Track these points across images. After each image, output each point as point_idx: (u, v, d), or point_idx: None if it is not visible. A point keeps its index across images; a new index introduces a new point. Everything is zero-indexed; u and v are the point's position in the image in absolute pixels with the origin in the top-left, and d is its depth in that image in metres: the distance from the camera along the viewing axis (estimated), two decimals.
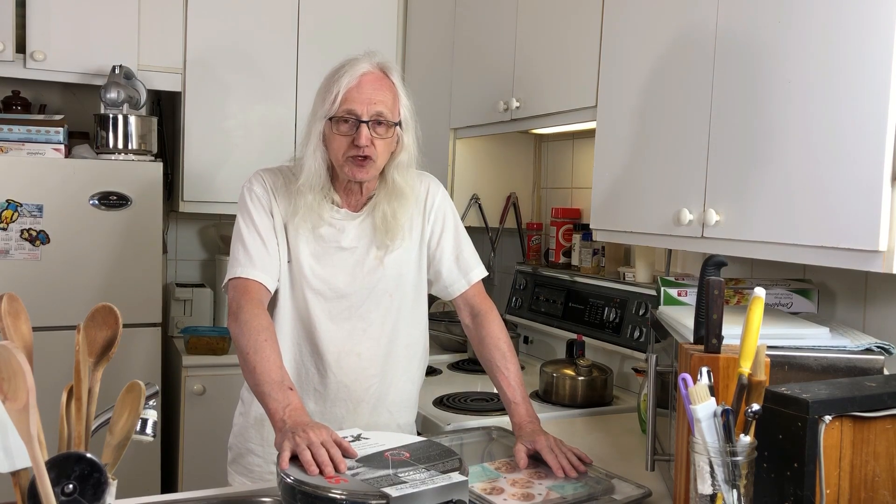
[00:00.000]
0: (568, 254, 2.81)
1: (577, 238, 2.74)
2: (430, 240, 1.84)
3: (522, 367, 2.79)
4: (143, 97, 3.00)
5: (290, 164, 1.79)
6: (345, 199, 1.76)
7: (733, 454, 1.09)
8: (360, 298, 1.76)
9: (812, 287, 1.76)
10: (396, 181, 1.73)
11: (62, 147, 2.81)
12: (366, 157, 1.65)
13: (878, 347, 1.36)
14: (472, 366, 2.76)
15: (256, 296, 1.66)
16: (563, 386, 2.26)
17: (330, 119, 1.66)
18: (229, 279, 1.70)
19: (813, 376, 1.32)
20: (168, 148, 3.33)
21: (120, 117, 2.88)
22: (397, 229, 1.75)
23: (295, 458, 1.31)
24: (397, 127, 1.69)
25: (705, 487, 1.11)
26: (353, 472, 1.27)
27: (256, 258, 1.69)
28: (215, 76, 3.13)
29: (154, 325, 2.91)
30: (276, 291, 1.75)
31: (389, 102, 1.67)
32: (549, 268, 2.87)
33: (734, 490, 1.09)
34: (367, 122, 1.64)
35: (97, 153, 2.91)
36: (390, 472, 1.26)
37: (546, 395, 2.30)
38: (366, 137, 1.63)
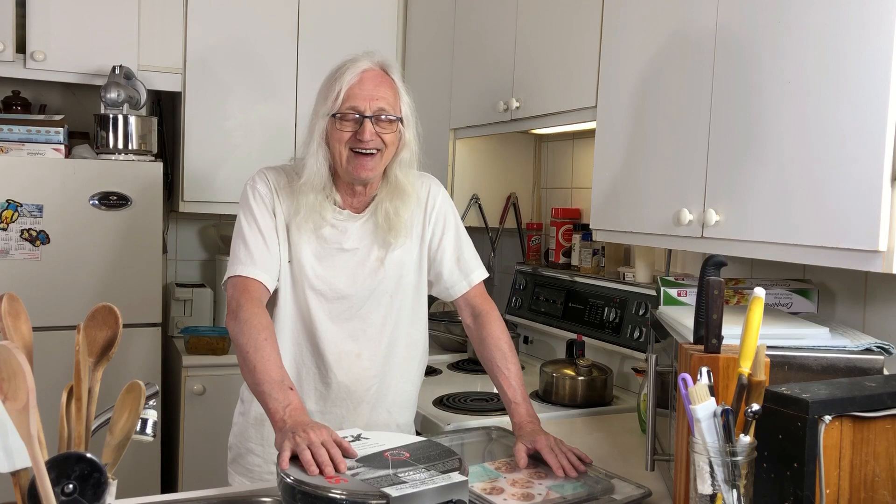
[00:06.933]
0: (568, 254, 2.81)
1: (576, 238, 2.74)
2: (431, 241, 1.84)
3: (522, 367, 2.78)
4: (143, 97, 3.00)
5: (292, 164, 1.79)
6: (347, 200, 1.76)
7: (733, 454, 1.09)
8: (361, 299, 1.76)
9: (812, 287, 1.76)
10: (399, 179, 1.74)
11: (62, 147, 2.81)
12: (368, 154, 1.66)
13: (878, 347, 1.36)
14: (472, 366, 2.76)
15: (256, 294, 1.66)
16: (563, 386, 2.26)
17: (333, 116, 1.67)
18: (229, 277, 1.69)
19: (813, 376, 1.32)
20: (168, 148, 3.33)
21: (120, 117, 2.88)
22: (400, 227, 1.75)
23: (295, 458, 1.30)
24: (399, 123, 1.70)
25: (705, 487, 1.11)
26: (353, 472, 1.27)
27: (257, 257, 1.69)
28: (215, 76, 3.14)
29: (154, 325, 2.91)
30: (277, 291, 1.74)
31: (391, 99, 1.68)
32: (549, 268, 2.87)
33: (734, 490, 1.09)
34: (370, 118, 1.64)
35: (97, 153, 2.91)
36: (390, 472, 1.26)
37: (546, 395, 2.30)
38: (370, 132, 1.64)
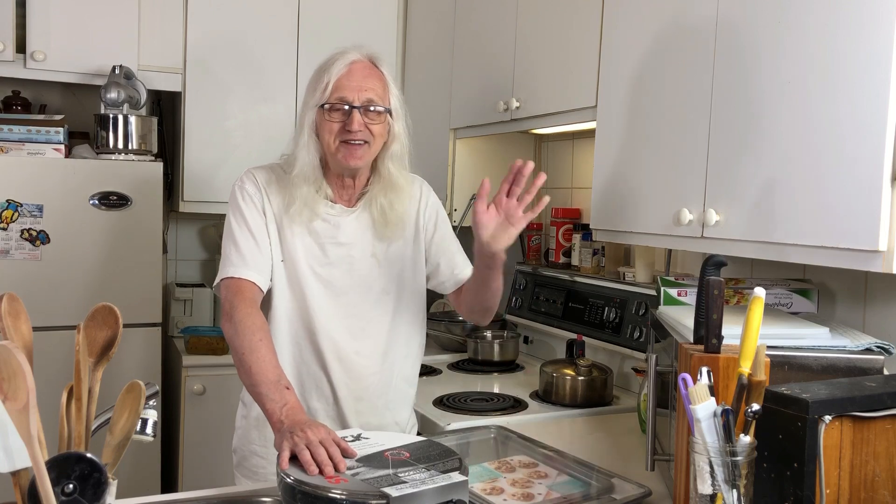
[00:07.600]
0: (568, 254, 2.81)
1: (577, 238, 2.74)
2: (425, 237, 1.85)
3: (522, 368, 2.79)
4: (143, 97, 2.99)
5: (280, 162, 1.79)
6: (338, 193, 1.77)
7: (733, 454, 1.09)
8: (358, 296, 1.76)
9: (812, 287, 1.76)
10: (391, 172, 1.74)
11: (62, 147, 2.81)
12: (357, 144, 1.66)
13: (878, 347, 1.36)
14: (472, 366, 2.76)
15: (249, 295, 1.66)
16: (563, 386, 2.26)
17: (321, 107, 1.67)
18: (221, 279, 1.69)
19: (813, 376, 1.32)
20: (168, 148, 3.33)
21: (120, 117, 2.88)
22: (396, 221, 1.76)
23: (295, 458, 1.30)
24: (388, 115, 1.70)
25: (705, 487, 1.11)
26: (353, 472, 1.27)
27: (249, 257, 1.69)
28: (215, 76, 3.13)
29: (154, 325, 2.91)
30: (273, 290, 1.74)
31: (380, 90, 1.69)
32: (549, 268, 2.87)
33: (734, 490, 1.09)
34: (358, 108, 1.65)
35: (97, 153, 2.91)
36: (390, 471, 1.26)
37: (546, 395, 2.30)
38: (358, 123, 1.65)
